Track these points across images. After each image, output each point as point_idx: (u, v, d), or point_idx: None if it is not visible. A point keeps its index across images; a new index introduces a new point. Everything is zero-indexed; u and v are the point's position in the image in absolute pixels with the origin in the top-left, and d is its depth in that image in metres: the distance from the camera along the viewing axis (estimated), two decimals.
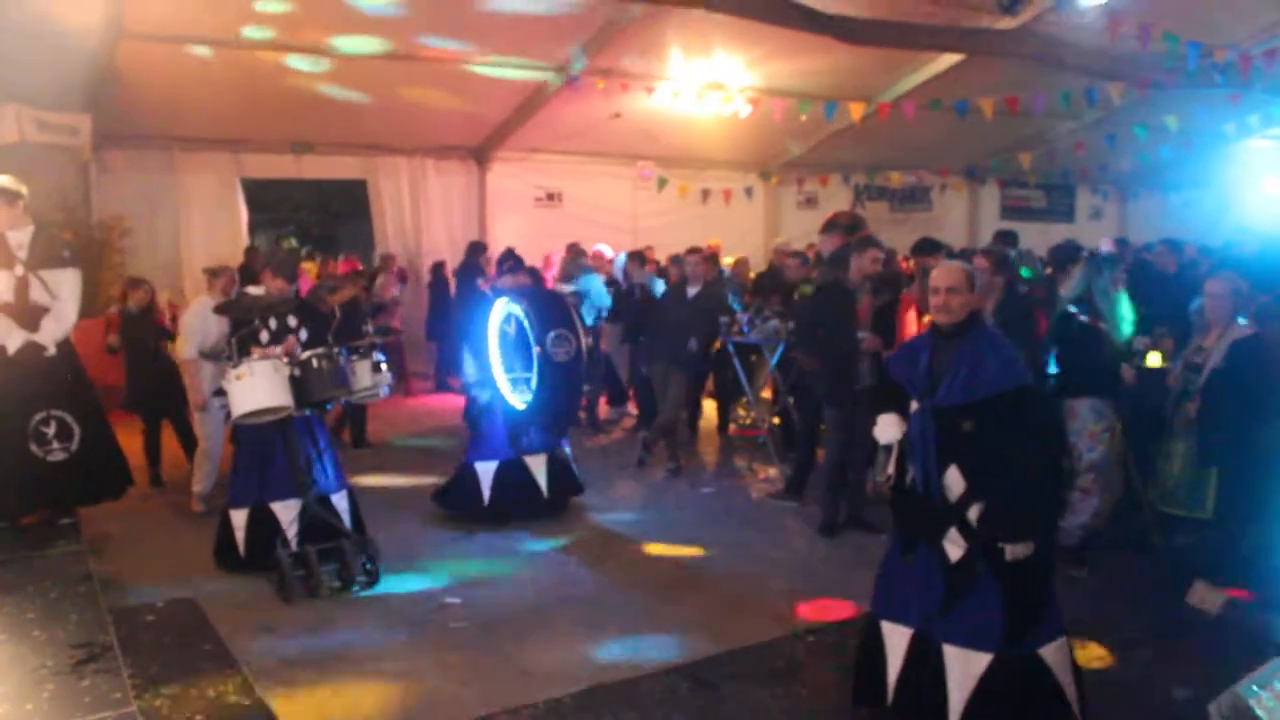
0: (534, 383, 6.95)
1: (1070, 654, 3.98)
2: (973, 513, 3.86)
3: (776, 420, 9.91)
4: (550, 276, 11.38)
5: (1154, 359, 6.76)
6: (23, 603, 5.18)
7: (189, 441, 8.25)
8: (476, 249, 12.40)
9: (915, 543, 4.03)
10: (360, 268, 13.29)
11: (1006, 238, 10.45)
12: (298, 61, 10.66)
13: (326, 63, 10.77)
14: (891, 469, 4.21)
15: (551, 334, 6.83)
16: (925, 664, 3.92)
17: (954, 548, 3.91)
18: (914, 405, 4.07)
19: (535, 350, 6.81)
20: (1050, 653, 3.88)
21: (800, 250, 10.91)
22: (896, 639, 4.07)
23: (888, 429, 4.13)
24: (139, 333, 8.28)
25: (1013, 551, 3.77)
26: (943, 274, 4.09)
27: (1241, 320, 5.72)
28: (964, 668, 3.83)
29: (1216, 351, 5.70)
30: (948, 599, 3.88)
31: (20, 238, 6.29)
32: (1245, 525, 5.46)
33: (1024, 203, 18.95)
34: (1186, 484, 5.89)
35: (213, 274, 7.73)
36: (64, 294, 6.43)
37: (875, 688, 4.14)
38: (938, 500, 3.94)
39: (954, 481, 3.91)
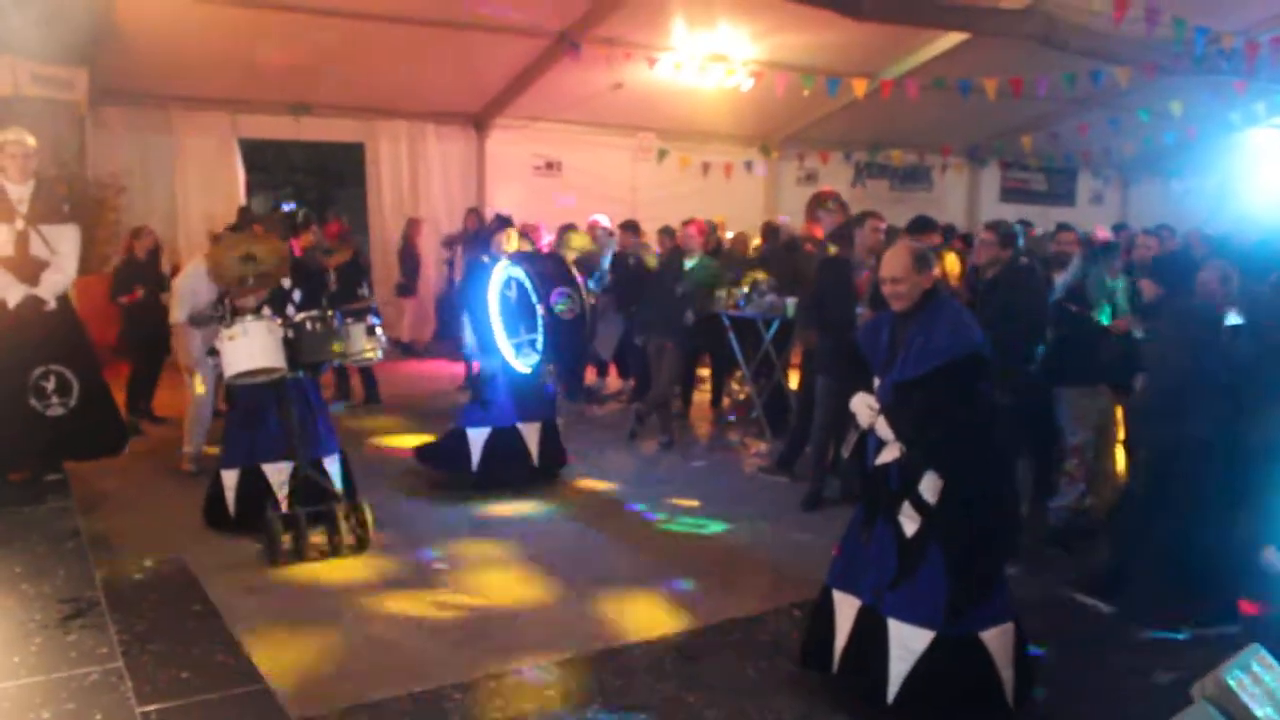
0: (540, 343, 6.87)
1: (1016, 643, 4.01)
2: (926, 485, 3.90)
3: (779, 389, 9.88)
4: (544, 245, 11.29)
5: None
6: (11, 557, 5.20)
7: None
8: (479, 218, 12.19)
9: (874, 517, 4.09)
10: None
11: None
12: (299, 20, 10.54)
13: (328, 22, 10.65)
14: (854, 441, 4.27)
15: (555, 292, 6.78)
16: (871, 637, 3.98)
17: (909, 523, 3.96)
18: (876, 382, 4.14)
19: (540, 310, 6.75)
20: (992, 637, 3.92)
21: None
22: (847, 609, 4.13)
23: (863, 411, 4.12)
24: (142, 280, 8.61)
25: (926, 486, 3.86)
26: (888, 263, 4.11)
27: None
28: (906, 644, 3.88)
29: None
30: (899, 574, 3.93)
31: (21, 192, 6.27)
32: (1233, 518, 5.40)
33: (1025, 185, 18.87)
34: None
35: (216, 239, 7.71)
36: (64, 249, 6.42)
37: (822, 654, 4.21)
38: (894, 474, 4.00)
39: None
